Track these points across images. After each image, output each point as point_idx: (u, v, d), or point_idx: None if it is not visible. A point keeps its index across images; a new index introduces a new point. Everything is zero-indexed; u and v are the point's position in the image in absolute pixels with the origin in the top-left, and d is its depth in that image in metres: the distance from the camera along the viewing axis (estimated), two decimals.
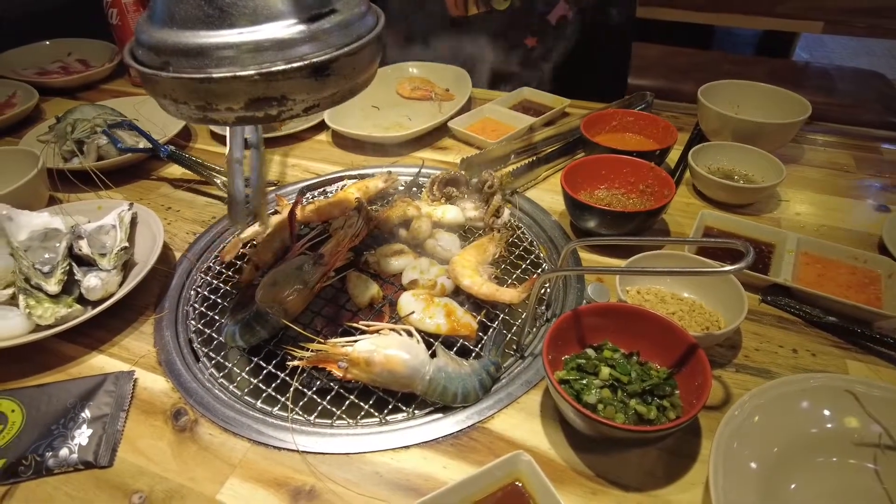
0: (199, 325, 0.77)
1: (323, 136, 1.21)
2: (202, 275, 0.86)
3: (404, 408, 0.66)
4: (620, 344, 0.66)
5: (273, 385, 0.69)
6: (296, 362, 0.65)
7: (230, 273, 0.86)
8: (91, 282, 0.76)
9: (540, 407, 0.65)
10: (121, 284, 0.80)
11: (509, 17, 1.34)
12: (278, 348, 0.72)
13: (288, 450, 0.62)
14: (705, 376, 0.58)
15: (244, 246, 0.90)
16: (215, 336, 0.76)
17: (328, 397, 0.67)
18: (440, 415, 0.65)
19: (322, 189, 1.04)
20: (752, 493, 0.53)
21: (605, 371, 0.61)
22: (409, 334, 0.68)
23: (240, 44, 0.52)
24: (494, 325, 0.74)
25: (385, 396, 0.67)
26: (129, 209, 0.87)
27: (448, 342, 0.71)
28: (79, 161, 1.05)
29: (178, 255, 0.90)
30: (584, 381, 0.61)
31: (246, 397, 0.68)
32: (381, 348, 0.65)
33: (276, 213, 0.96)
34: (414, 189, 1.02)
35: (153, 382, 0.70)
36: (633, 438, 0.57)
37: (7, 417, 0.65)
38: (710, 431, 0.62)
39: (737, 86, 1.13)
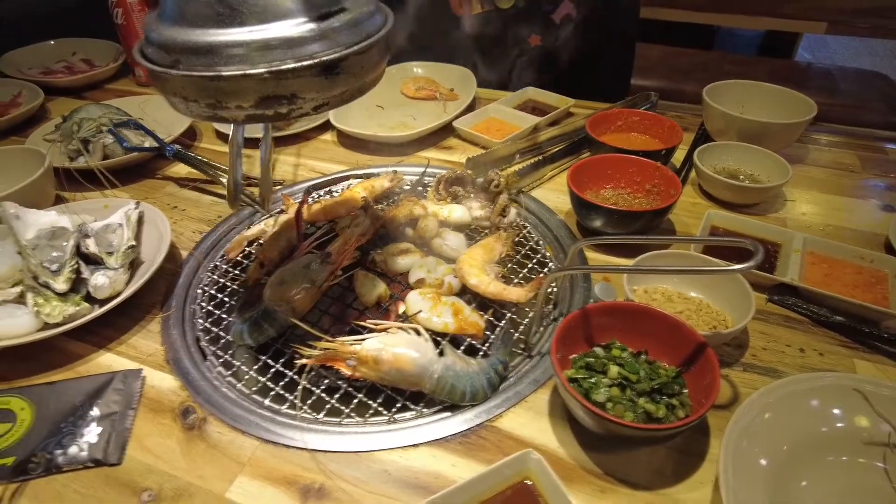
0: (206, 324, 0.77)
1: (328, 136, 1.22)
2: (209, 273, 0.86)
3: (413, 406, 0.66)
4: (628, 343, 0.66)
5: (281, 383, 0.69)
6: (304, 360, 0.66)
7: (237, 272, 0.86)
8: (99, 280, 0.76)
9: (548, 405, 0.66)
10: (127, 283, 0.80)
11: (513, 15, 1.34)
12: (286, 347, 0.72)
13: (297, 448, 0.62)
14: (714, 375, 0.58)
15: (250, 244, 0.90)
16: (222, 335, 0.76)
17: (336, 396, 0.67)
18: (448, 413, 0.65)
19: (328, 188, 1.04)
20: (762, 491, 0.53)
21: (614, 370, 0.61)
22: (418, 333, 0.68)
23: (250, 42, 0.52)
24: (502, 324, 0.74)
25: (393, 395, 0.67)
26: (135, 208, 0.88)
27: (455, 341, 0.71)
28: (84, 160, 1.05)
29: (184, 253, 0.90)
30: (593, 380, 0.61)
31: (254, 395, 0.68)
32: (390, 346, 0.65)
33: (282, 212, 0.97)
34: (419, 188, 1.02)
35: (161, 381, 0.71)
36: (643, 437, 0.57)
37: (16, 415, 0.65)
38: (718, 430, 0.62)
39: (741, 86, 1.13)
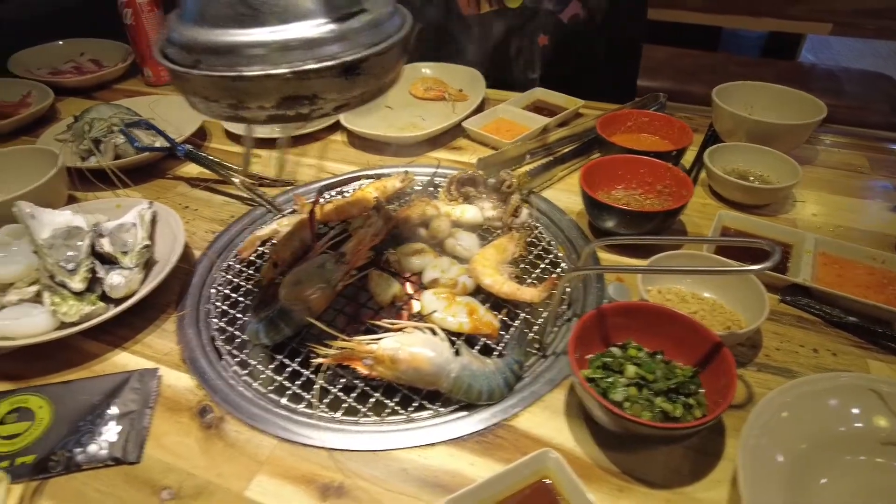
0: (220, 323, 0.78)
1: (338, 136, 1.22)
2: (222, 273, 0.86)
3: (429, 405, 0.66)
4: (644, 343, 0.66)
5: (297, 383, 0.69)
6: (320, 360, 0.66)
7: (250, 271, 0.86)
8: (115, 279, 0.76)
9: (564, 405, 0.66)
10: (142, 283, 0.80)
11: (521, 15, 1.34)
12: (301, 346, 0.72)
13: (314, 447, 0.62)
14: (731, 375, 0.58)
15: (262, 244, 0.91)
16: (237, 334, 0.76)
17: (353, 395, 0.67)
18: (465, 413, 0.65)
19: (339, 189, 1.04)
20: (780, 489, 0.53)
21: (631, 369, 0.61)
22: (433, 332, 0.68)
23: (271, 42, 0.53)
24: (516, 325, 0.75)
25: (410, 394, 0.67)
26: (149, 207, 0.88)
27: (469, 341, 0.72)
28: (96, 160, 1.05)
29: (196, 253, 0.90)
30: (611, 380, 0.61)
31: (270, 395, 0.69)
32: (407, 346, 0.65)
33: (293, 212, 0.97)
34: (430, 189, 1.03)
35: (177, 380, 0.71)
36: (661, 436, 0.57)
37: (35, 414, 0.65)
38: (733, 430, 0.62)
39: (750, 87, 1.14)
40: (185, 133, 1.15)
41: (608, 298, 0.78)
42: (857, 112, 1.97)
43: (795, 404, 0.58)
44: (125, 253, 0.81)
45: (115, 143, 1.07)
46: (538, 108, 1.27)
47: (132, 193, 1.04)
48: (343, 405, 0.66)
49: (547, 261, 0.86)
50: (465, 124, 1.16)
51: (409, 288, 0.81)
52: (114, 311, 0.74)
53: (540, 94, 1.30)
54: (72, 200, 1.02)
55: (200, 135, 1.22)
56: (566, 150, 1.10)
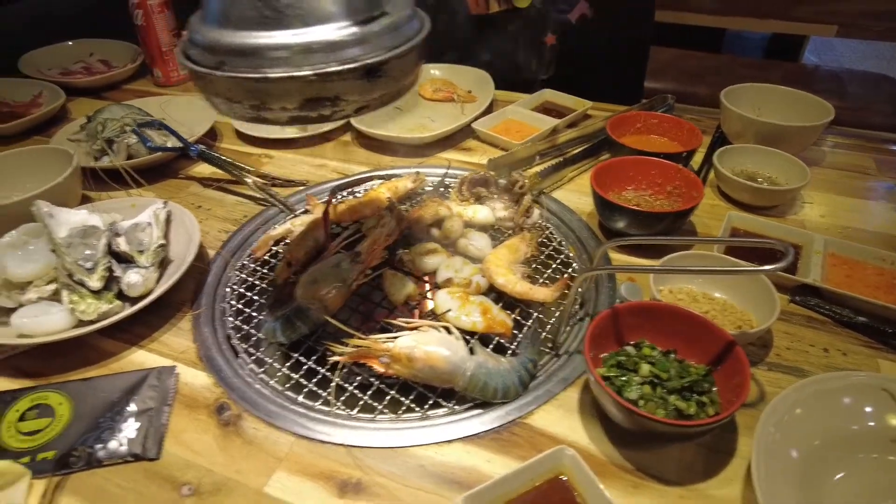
0: (236, 322, 0.79)
1: (347, 137, 1.23)
2: (237, 272, 0.87)
3: (445, 403, 0.67)
4: (657, 342, 0.67)
5: (314, 380, 0.70)
6: (337, 357, 0.67)
7: (265, 271, 0.87)
8: (132, 278, 0.77)
9: (578, 403, 0.67)
10: (157, 281, 0.81)
11: (529, 15, 1.35)
12: (318, 344, 0.73)
13: (332, 443, 0.63)
14: (744, 374, 0.59)
15: (276, 244, 0.92)
16: (253, 332, 0.77)
17: (369, 392, 0.68)
18: (480, 410, 0.66)
19: (351, 189, 1.05)
20: (793, 484, 0.54)
21: (646, 368, 0.62)
22: (448, 331, 0.69)
23: (294, 45, 0.53)
24: (529, 324, 0.75)
25: (425, 392, 0.68)
26: (164, 207, 0.89)
27: (483, 340, 0.72)
28: (109, 160, 1.06)
29: (210, 252, 0.91)
30: (625, 378, 0.62)
31: (287, 392, 0.69)
32: (422, 344, 0.66)
33: (306, 212, 0.98)
34: (441, 189, 1.04)
35: (194, 378, 0.72)
36: (675, 433, 0.58)
37: (55, 410, 0.66)
38: (745, 428, 0.63)
39: (757, 89, 1.15)
40: (197, 133, 1.15)
41: (620, 298, 0.79)
42: (861, 113, 1.98)
43: (810, 402, 0.59)
44: (141, 252, 0.81)
45: (127, 143, 1.08)
46: (547, 109, 1.28)
47: (145, 193, 1.05)
48: (359, 402, 0.67)
49: (558, 261, 0.87)
50: (474, 125, 1.17)
51: (425, 287, 0.82)
52: (131, 309, 0.75)
53: (548, 95, 1.30)
54: (85, 200, 1.02)
55: (211, 135, 1.23)
56: (576, 151, 1.11)
